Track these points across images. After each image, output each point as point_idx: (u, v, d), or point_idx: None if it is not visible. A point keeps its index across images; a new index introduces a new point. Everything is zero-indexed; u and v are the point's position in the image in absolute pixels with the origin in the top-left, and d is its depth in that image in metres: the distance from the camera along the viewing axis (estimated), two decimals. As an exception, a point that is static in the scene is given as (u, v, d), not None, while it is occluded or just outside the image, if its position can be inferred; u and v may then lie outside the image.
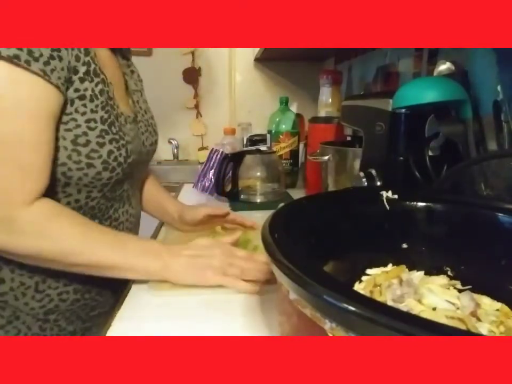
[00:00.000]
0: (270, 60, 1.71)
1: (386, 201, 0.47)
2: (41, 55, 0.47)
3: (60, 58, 0.49)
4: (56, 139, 0.52)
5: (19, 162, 0.48)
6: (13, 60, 0.45)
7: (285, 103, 1.30)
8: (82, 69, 0.53)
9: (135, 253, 0.54)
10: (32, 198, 0.49)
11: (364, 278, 0.44)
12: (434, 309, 0.37)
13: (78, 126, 0.53)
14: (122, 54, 0.71)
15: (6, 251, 0.51)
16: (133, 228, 0.71)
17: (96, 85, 0.55)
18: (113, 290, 0.67)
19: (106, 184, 0.58)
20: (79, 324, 0.64)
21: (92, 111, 0.54)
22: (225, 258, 0.56)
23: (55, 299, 0.59)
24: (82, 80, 0.53)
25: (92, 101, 0.54)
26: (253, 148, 1.16)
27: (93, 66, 0.54)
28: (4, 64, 0.45)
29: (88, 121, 0.54)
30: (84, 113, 0.53)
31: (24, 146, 0.48)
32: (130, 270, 0.54)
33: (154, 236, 0.82)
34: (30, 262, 0.53)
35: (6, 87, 0.46)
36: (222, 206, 0.88)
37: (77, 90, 0.53)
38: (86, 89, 0.53)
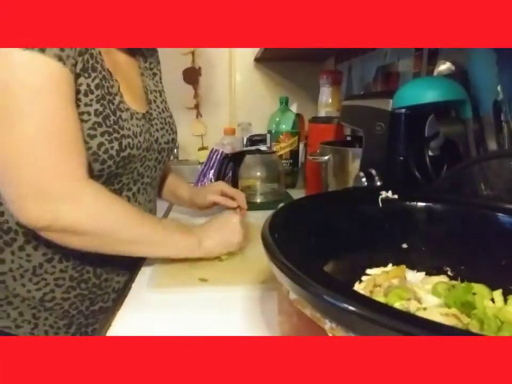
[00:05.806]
0: (270, 60, 1.71)
1: (386, 201, 0.47)
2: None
3: (70, 50, 0.52)
4: None
5: (59, 141, 0.51)
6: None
7: (285, 103, 1.30)
8: (79, 66, 0.54)
9: (172, 230, 0.61)
10: (82, 172, 0.53)
11: (363, 278, 0.44)
12: (425, 309, 0.37)
13: None
14: (145, 58, 0.77)
15: (68, 226, 0.52)
16: None
17: (93, 79, 0.56)
18: (113, 285, 0.68)
19: (98, 176, 0.59)
20: (81, 318, 0.65)
21: (86, 104, 0.56)
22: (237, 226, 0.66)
23: (51, 283, 0.61)
24: (77, 76, 0.54)
25: (86, 95, 0.56)
26: (253, 148, 1.15)
27: (90, 62, 0.56)
28: (23, 52, 0.48)
29: (81, 113, 0.55)
30: (77, 106, 0.55)
31: (56, 125, 0.50)
32: (171, 245, 0.60)
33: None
34: (80, 243, 0.55)
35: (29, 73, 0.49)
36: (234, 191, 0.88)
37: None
38: (80, 84, 0.55)
